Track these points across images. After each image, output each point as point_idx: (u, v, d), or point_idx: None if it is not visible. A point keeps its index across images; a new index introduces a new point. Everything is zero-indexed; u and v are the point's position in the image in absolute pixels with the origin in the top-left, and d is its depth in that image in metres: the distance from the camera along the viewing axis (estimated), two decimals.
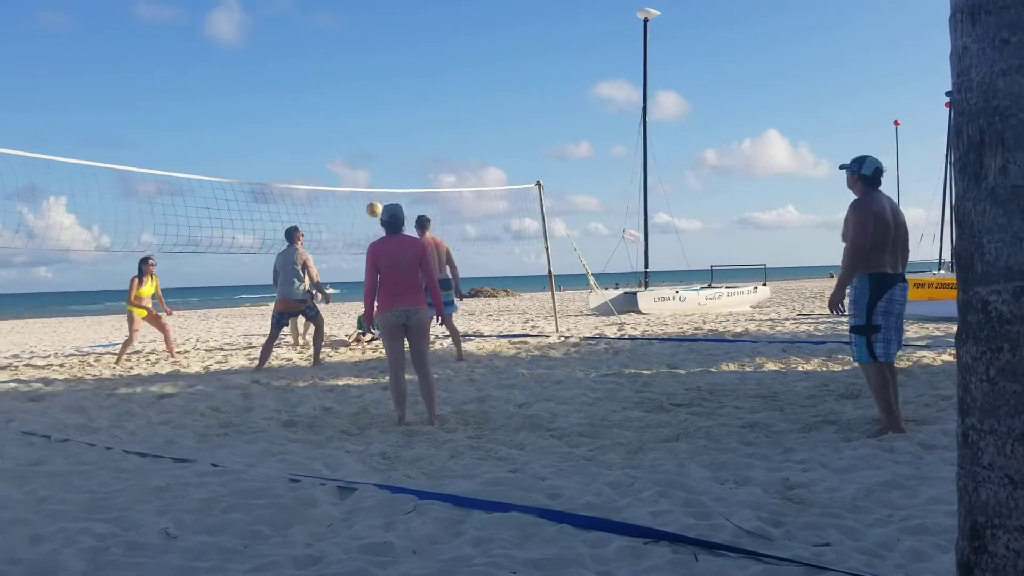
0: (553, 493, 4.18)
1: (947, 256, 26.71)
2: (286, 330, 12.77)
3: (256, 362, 10.61)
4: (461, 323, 18.39)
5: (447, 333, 11.15)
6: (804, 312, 19.04)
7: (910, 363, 8.49)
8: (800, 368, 8.74)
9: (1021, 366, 1.88)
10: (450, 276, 10.59)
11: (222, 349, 13.95)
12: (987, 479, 1.94)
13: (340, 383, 8.76)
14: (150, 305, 11.94)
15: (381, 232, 6.68)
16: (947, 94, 19.02)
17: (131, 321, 11.90)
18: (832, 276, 47.90)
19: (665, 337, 13.12)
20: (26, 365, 12.14)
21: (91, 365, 11.70)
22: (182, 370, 10.55)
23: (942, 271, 23.64)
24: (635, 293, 21.25)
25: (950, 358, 8.74)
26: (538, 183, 15.51)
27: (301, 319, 12.42)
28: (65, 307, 58.35)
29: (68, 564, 3.31)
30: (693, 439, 5.43)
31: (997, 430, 1.92)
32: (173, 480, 4.69)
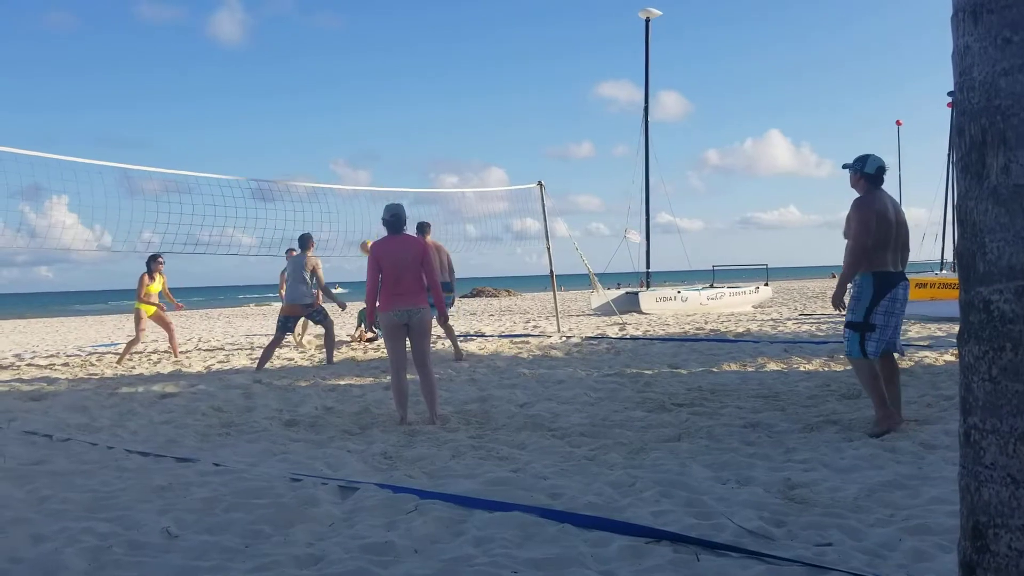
0: (555, 493, 4.18)
1: (949, 256, 26.74)
2: None
3: (257, 362, 10.61)
4: (463, 323, 18.41)
5: (445, 334, 11.18)
6: (806, 312, 19.03)
7: (912, 363, 8.48)
8: (802, 368, 8.73)
9: (1023, 365, 1.88)
10: (450, 279, 10.69)
11: (224, 349, 13.96)
12: (989, 478, 1.94)
13: (342, 383, 8.76)
14: (158, 302, 11.97)
15: (383, 232, 6.69)
16: (949, 94, 18.96)
17: (138, 320, 11.92)
18: (834, 276, 47.88)
19: (667, 337, 13.11)
20: (28, 365, 12.15)
21: (93, 365, 11.70)
22: (184, 370, 10.55)
23: (944, 271, 23.66)
24: (637, 293, 21.25)
25: (952, 358, 8.73)
26: (540, 183, 15.51)
27: (300, 321, 12.42)
28: (67, 307, 58.44)
29: (70, 563, 3.31)
30: (695, 439, 5.43)
31: (999, 429, 1.92)
32: (175, 479, 4.70)
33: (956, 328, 2.15)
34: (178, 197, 11.49)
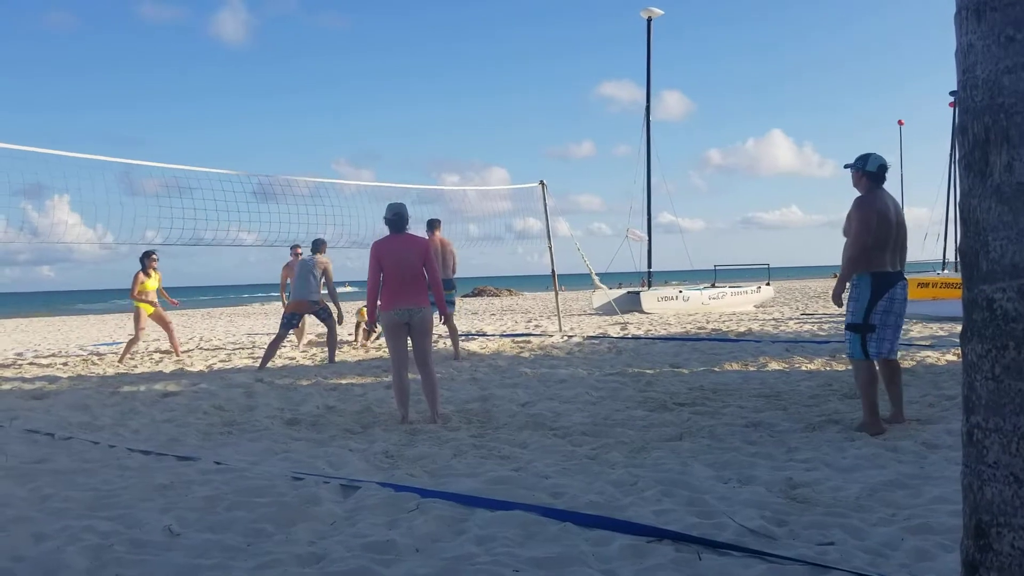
0: (556, 492, 4.18)
1: (951, 256, 26.69)
2: None
3: (259, 361, 10.61)
4: (464, 322, 18.40)
5: (447, 332, 11.18)
6: (808, 312, 19.01)
7: (914, 363, 8.48)
8: (804, 368, 8.73)
9: None
10: (452, 277, 10.73)
11: (225, 348, 13.97)
12: (992, 477, 1.94)
13: (343, 382, 8.76)
14: (155, 300, 11.97)
15: (386, 231, 6.68)
16: (952, 94, 18.97)
17: (138, 319, 11.92)
18: (835, 276, 47.80)
19: (668, 336, 13.11)
20: (30, 363, 12.15)
21: (94, 363, 11.71)
22: (186, 368, 10.56)
23: (946, 271, 23.63)
24: (638, 293, 21.25)
25: (954, 358, 8.72)
26: (541, 183, 15.50)
27: (301, 326, 12.42)
28: (69, 306, 58.44)
29: (71, 562, 3.31)
30: (696, 438, 5.43)
31: (1002, 428, 1.92)
32: (176, 478, 4.70)
33: (958, 328, 2.15)
34: (177, 192, 11.47)
